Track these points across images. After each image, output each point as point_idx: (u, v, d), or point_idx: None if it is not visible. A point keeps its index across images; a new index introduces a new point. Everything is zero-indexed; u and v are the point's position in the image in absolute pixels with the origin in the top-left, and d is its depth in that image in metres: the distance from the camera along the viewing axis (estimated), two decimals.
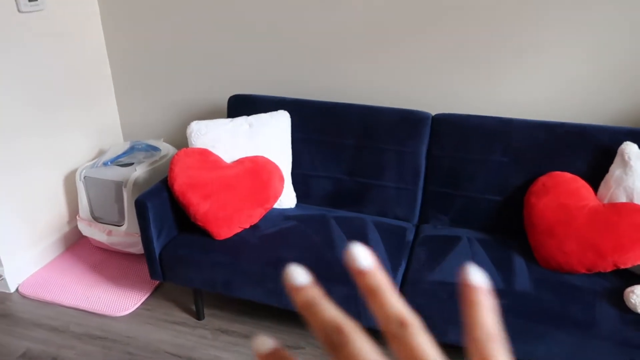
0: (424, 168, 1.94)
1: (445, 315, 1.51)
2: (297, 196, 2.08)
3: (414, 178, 1.94)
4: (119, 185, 2.18)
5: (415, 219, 1.98)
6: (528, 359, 1.48)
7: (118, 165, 2.23)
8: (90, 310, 2.02)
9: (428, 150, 1.93)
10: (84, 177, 2.23)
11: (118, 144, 2.40)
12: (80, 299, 2.08)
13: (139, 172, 2.17)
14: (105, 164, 2.24)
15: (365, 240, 1.79)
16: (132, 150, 2.34)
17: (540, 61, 1.91)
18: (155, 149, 2.36)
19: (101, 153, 2.58)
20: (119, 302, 2.07)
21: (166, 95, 2.50)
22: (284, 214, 1.96)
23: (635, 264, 1.49)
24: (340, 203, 2.04)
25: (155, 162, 2.26)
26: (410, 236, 1.85)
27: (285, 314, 2.01)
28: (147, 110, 2.58)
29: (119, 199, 2.20)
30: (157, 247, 1.80)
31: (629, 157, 1.61)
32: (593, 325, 1.41)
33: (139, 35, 2.41)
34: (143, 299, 2.09)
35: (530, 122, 1.82)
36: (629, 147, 1.64)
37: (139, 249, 2.26)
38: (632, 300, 1.41)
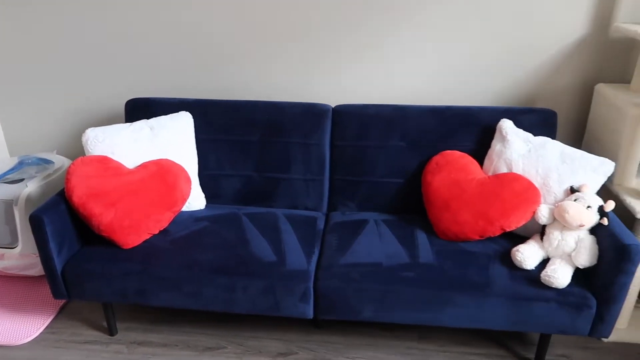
0: (329, 158, 2.01)
1: (359, 294, 1.59)
2: (207, 197, 2.05)
3: (320, 169, 2.00)
4: (8, 204, 2.01)
5: (325, 208, 2.05)
6: (437, 325, 1.60)
7: (5, 182, 2.06)
8: None
9: (331, 141, 2.01)
10: None
11: (4, 160, 2.21)
12: None
13: (30, 188, 2.02)
14: None
15: (278, 233, 1.82)
16: (21, 165, 2.17)
17: (426, 50, 2.07)
18: (48, 162, 2.21)
19: None
20: (19, 329, 1.91)
21: (56, 104, 2.34)
22: (194, 215, 1.93)
23: (519, 226, 1.67)
24: (251, 200, 2.05)
25: (49, 175, 2.12)
26: (321, 225, 1.91)
27: (202, 317, 1.98)
28: (35, 122, 2.40)
29: (10, 219, 2.03)
30: (58, 264, 1.69)
31: (506, 132, 1.80)
32: (488, 284, 1.56)
33: (20, 40, 2.23)
34: (47, 323, 1.95)
35: (422, 108, 1.96)
36: (505, 124, 1.83)
37: (37, 270, 2.10)
38: (518, 258, 1.59)
